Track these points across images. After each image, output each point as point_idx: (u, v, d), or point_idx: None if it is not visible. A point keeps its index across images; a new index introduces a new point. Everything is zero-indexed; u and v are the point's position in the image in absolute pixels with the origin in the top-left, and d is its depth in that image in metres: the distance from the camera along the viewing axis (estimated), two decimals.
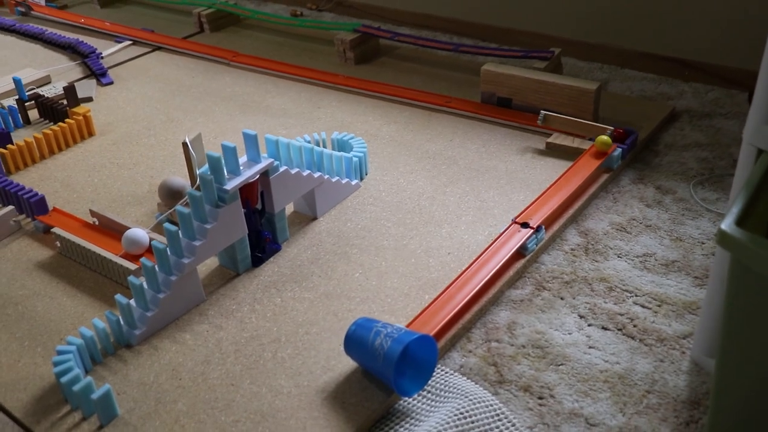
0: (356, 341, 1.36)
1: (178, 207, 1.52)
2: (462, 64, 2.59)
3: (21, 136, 2.31)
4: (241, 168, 1.59)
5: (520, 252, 1.66)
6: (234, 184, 1.55)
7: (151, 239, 1.70)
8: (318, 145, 1.99)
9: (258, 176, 1.61)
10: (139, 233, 1.68)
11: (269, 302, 1.58)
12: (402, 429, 1.31)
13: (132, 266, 1.62)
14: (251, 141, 1.61)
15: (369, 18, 3.07)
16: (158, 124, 2.36)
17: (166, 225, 1.50)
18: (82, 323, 1.56)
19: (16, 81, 2.38)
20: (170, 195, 1.80)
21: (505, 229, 1.70)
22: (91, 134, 2.32)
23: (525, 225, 1.70)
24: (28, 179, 2.11)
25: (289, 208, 1.87)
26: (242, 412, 1.33)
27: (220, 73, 2.69)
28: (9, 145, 2.15)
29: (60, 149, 2.25)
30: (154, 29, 3.11)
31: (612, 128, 1.97)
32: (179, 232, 1.52)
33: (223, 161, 1.54)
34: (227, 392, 1.38)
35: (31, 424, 1.34)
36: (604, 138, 1.89)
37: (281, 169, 1.66)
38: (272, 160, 1.64)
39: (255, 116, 2.35)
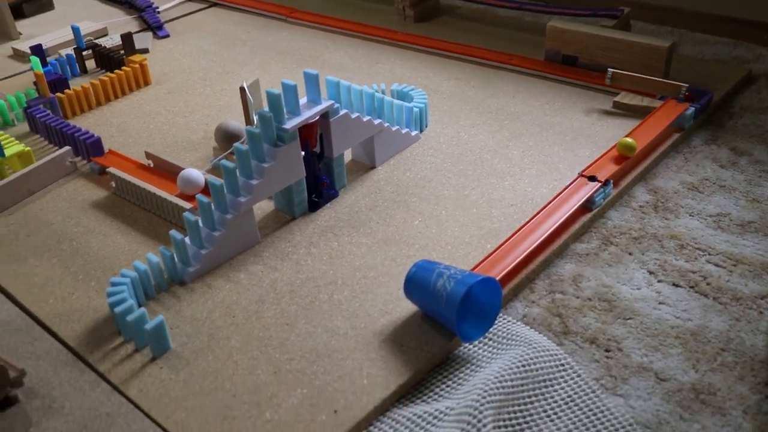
0: (417, 283, 1.31)
1: (237, 145, 1.48)
2: (525, 25, 2.51)
3: (77, 84, 2.30)
4: (301, 108, 1.54)
5: (587, 206, 1.59)
6: (293, 123, 1.51)
7: (206, 180, 1.67)
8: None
9: (318, 118, 1.57)
10: (195, 173, 1.65)
11: (326, 246, 1.54)
12: (462, 375, 1.26)
13: (187, 205, 1.59)
14: (312, 81, 1.56)
15: None
16: (214, 75, 2.33)
17: (224, 162, 1.47)
18: (136, 260, 1.54)
19: (75, 29, 2.36)
20: (227, 138, 1.76)
21: (572, 181, 1.64)
22: (147, 83, 2.29)
23: (592, 178, 1.63)
24: (84, 124, 2.09)
25: (347, 157, 1.82)
26: (297, 351, 1.29)
27: (277, 28, 2.65)
28: (66, 90, 2.14)
29: (116, 96, 2.23)
30: None
31: (686, 86, 1.88)
32: (236, 170, 1.48)
33: (283, 100, 1.50)
34: (281, 331, 1.34)
35: (84, 353, 1.32)
36: (628, 141, 1.69)
37: (341, 112, 1.61)
38: (333, 102, 1.59)
39: (309, 66, 2.30)
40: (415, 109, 1.87)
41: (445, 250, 1.50)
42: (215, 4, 2.92)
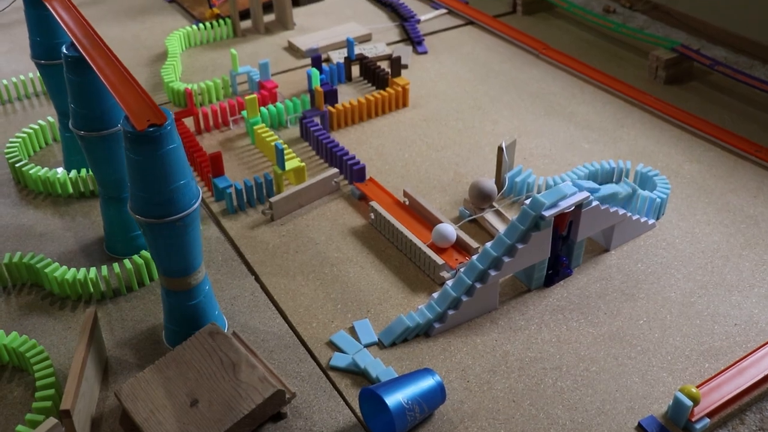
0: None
1: (501, 235, 1.65)
2: None
3: (342, 92, 2.55)
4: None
5: None
6: (552, 212, 1.65)
7: (457, 236, 1.86)
8: (621, 173, 2.06)
9: (573, 207, 1.71)
10: (449, 230, 1.84)
11: (555, 327, 1.70)
12: None
13: (439, 260, 1.79)
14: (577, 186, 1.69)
15: (684, 30, 3.00)
16: (466, 108, 2.50)
17: (487, 246, 1.65)
18: (387, 300, 1.76)
19: (349, 42, 2.60)
20: (480, 197, 1.93)
21: None
22: (405, 105, 2.50)
23: None
24: (347, 140, 2.33)
25: None
26: (519, 431, 1.47)
27: (528, 64, 2.77)
28: (336, 105, 2.38)
29: (376, 114, 2.45)
30: (468, 0, 3.22)
31: None
32: (491, 248, 1.66)
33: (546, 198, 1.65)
34: (508, 407, 1.52)
35: (340, 386, 1.56)
36: (690, 389, 1.47)
37: (593, 204, 1.74)
38: (588, 194, 1.72)
39: (559, 122, 2.42)
40: (657, 200, 1.96)
41: (664, 360, 1.61)
42: (471, 23, 3.07)
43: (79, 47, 1.60)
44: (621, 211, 1.84)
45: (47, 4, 1.79)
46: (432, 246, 1.85)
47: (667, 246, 1.92)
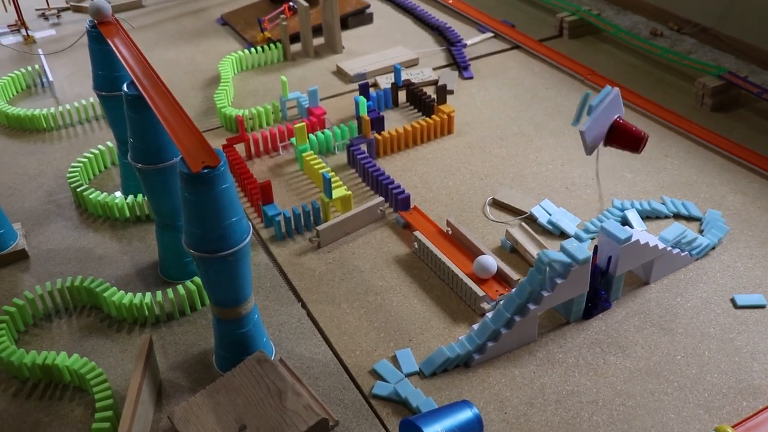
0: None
1: (535, 269, 1.70)
2: None
3: (389, 118, 2.61)
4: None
5: None
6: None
7: (498, 267, 1.90)
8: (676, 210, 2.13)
9: None
10: (490, 263, 1.88)
11: (593, 361, 1.73)
12: None
13: (480, 292, 1.83)
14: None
15: (732, 54, 2.98)
16: (510, 135, 2.54)
17: (523, 280, 1.69)
18: (429, 330, 1.81)
19: (396, 69, 2.66)
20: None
21: None
22: (450, 131, 2.55)
23: None
24: (392, 167, 2.39)
25: None
26: None
27: (574, 90, 2.79)
28: (383, 132, 2.44)
29: (421, 141, 2.51)
30: (515, 24, 3.26)
31: None
32: (529, 283, 1.70)
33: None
34: None
35: (382, 414, 1.62)
36: (726, 429, 1.53)
37: (633, 240, 1.77)
38: (630, 233, 1.75)
39: (602, 150, 2.43)
40: (706, 243, 1.98)
41: (701, 397, 1.63)
42: (517, 47, 3.10)
43: (138, 86, 1.69)
44: (661, 246, 1.86)
45: (109, 41, 1.89)
46: (473, 276, 1.90)
47: (708, 279, 1.93)
